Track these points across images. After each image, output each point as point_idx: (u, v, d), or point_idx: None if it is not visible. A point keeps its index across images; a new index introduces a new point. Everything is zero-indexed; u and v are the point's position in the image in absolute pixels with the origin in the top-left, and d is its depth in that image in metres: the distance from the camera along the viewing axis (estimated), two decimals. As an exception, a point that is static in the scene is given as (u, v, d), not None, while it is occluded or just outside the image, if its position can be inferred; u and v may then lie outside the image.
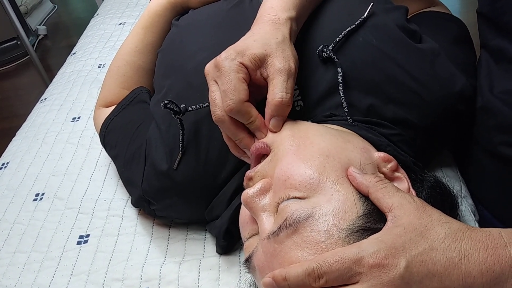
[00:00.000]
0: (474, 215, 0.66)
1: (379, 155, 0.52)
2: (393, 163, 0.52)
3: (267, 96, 0.53)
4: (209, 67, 0.54)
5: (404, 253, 0.39)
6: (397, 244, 0.40)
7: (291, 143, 0.51)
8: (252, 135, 0.55)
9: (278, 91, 0.51)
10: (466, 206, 0.66)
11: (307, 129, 0.54)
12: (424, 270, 0.39)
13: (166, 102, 0.57)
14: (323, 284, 0.40)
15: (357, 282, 0.39)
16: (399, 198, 0.44)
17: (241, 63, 0.52)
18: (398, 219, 0.42)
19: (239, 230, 0.56)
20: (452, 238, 0.40)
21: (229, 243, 0.66)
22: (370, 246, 0.40)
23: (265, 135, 0.54)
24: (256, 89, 0.55)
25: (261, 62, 0.53)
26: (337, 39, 0.60)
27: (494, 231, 0.42)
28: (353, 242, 0.43)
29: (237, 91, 0.51)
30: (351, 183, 0.47)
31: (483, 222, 0.68)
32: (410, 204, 0.43)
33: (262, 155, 0.53)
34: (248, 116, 0.52)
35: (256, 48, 0.52)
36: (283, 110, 0.52)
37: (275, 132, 0.53)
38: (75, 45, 1.36)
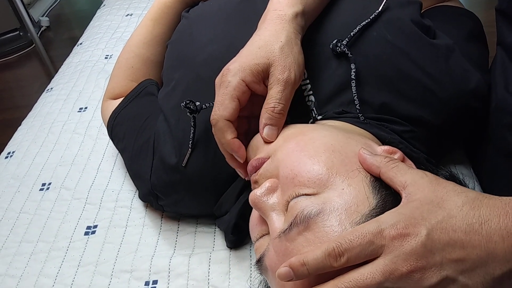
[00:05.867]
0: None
1: (382, 149, 0.51)
2: (398, 154, 0.51)
3: (263, 105, 0.53)
4: (218, 76, 0.54)
5: (423, 222, 0.39)
6: (416, 215, 0.39)
7: (288, 140, 0.51)
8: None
9: (271, 100, 0.52)
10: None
11: (302, 127, 0.54)
12: (446, 237, 0.38)
13: (187, 102, 0.57)
14: (344, 263, 0.38)
15: (379, 256, 0.38)
16: (411, 175, 0.43)
17: (242, 80, 0.52)
18: (412, 195, 0.42)
19: (248, 224, 0.55)
20: (470, 206, 0.40)
21: (238, 237, 0.65)
22: (389, 218, 0.40)
23: (241, 158, 0.53)
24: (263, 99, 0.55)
25: (264, 73, 0.53)
26: (351, 33, 0.59)
27: None
28: None
29: (223, 107, 0.51)
30: (361, 164, 0.47)
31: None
32: (423, 179, 0.43)
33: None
34: (222, 134, 0.52)
35: (259, 58, 0.52)
36: (276, 120, 0.52)
37: (270, 142, 0.52)
38: (77, 37, 1.35)
